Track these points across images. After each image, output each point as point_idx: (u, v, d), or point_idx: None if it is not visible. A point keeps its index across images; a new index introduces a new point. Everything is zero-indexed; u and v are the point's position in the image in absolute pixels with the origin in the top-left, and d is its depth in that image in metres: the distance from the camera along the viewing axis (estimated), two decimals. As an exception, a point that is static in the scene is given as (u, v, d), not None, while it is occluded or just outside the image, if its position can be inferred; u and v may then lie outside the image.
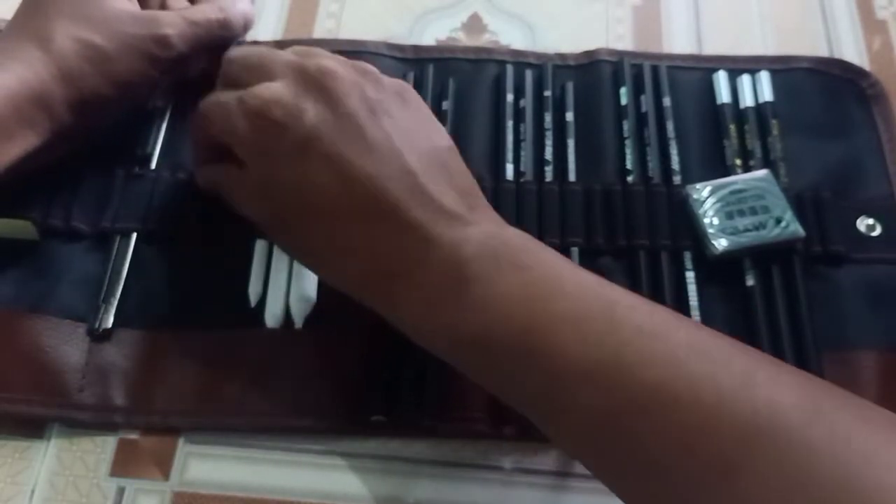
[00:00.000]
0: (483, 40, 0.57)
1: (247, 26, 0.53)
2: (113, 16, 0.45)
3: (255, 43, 0.55)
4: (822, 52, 0.56)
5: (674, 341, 0.32)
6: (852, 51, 0.56)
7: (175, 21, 0.47)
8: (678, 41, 0.57)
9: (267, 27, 0.58)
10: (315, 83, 0.38)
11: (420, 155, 0.38)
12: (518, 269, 0.35)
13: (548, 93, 0.52)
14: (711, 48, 0.56)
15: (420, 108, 0.41)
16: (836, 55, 0.56)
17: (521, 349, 0.33)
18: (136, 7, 0.47)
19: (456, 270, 0.35)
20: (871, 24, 0.57)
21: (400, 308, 0.37)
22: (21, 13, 0.46)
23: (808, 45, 0.56)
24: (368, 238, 0.37)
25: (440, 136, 0.40)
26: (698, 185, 0.47)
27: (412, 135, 0.39)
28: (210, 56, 0.50)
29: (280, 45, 0.55)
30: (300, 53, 0.41)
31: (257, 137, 0.38)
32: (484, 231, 0.37)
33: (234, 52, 0.42)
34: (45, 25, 0.44)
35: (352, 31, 0.58)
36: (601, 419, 0.32)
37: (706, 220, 0.46)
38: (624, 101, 0.52)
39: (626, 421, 0.31)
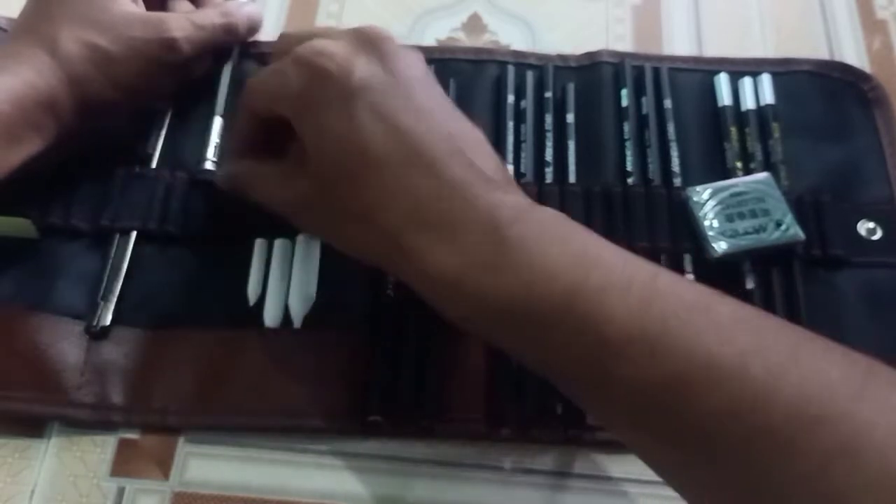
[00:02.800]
0: (483, 40, 0.57)
1: (252, 30, 0.53)
2: (120, 19, 0.45)
3: (257, 44, 0.55)
4: (822, 52, 0.56)
5: (717, 314, 0.32)
6: (852, 51, 0.56)
7: (183, 24, 0.47)
8: (678, 41, 0.57)
9: (267, 27, 0.57)
10: (370, 43, 0.39)
11: (461, 129, 0.39)
12: (559, 237, 0.35)
13: (548, 94, 0.52)
14: (711, 48, 0.57)
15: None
16: (836, 55, 0.56)
17: (566, 314, 0.32)
18: (142, 10, 0.47)
19: (495, 232, 0.34)
20: (870, 24, 0.58)
21: (431, 266, 0.35)
22: (27, 17, 0.46)
23: (808, 44, 0.56)
24: (409, 186, 0.36)
25: (473, 127, 0.41)
26: (698, 188, 0.47)
27: (454, 112, 0.40)
28: (213, 59, 0.50)
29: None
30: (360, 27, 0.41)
31: (308, 87, 0.38)
32: (522, 200, 0.36)
33: (290, 32, 0.42)
34: (52, 29, 0.44)
35: (352, 30, 0.57)
36: (647, 388, 0.31)
37: (706, 223, 0.46)
38: (625, 102, 0.52)
39: (673, 390, 0.31)
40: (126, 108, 0.47)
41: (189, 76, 0.51)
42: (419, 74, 0.39)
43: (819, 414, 0.28)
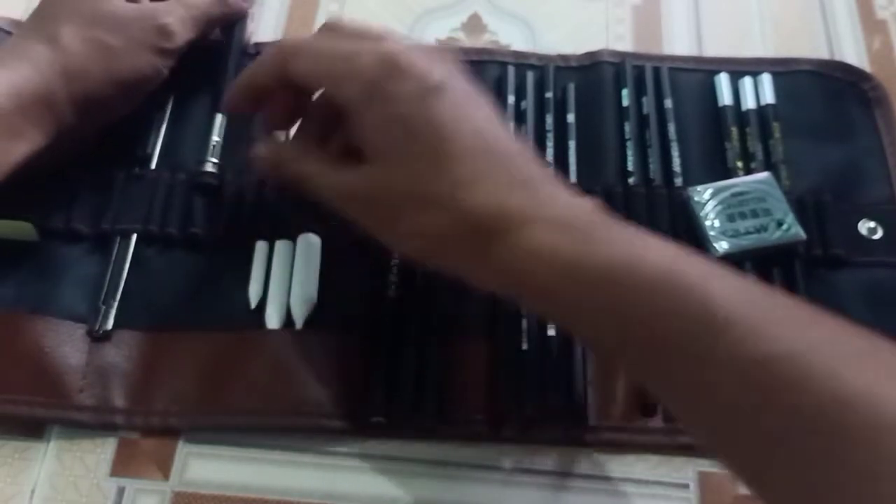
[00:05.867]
0: (483, 40, 0.57)
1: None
2: (120, 14, 0.46)
3: (259, 45, 0.56)
4: (822, 51, 0.56)
5: (819, 316, 0.32)
6: (852, 51, 0.56)
7: (172, 8, 0.48)
8: (678, 41, 0.57)
9: (267, 27, 0.58)
10: (443, 55, 0.40)
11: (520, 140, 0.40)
12: (643, 232, 0.36)
13: (549, 94, 0.52)
14: (711, 48, 0.57)
15: None
16: (836, 55, 0.56)
17: (669, 284, 0.32)
18: (135, 3, 0.47)
19: (585, 215, 0.36)
20: (871, 24, 0.58)
21: (524, 239, 0.35)
22: (32, 16, 0.47)
23: (808, 44, 0.56)
24: (496, 169, 0.37)
25: None
26: (699, 188, 0.47)
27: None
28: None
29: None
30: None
31: (384, 78, 0.38)
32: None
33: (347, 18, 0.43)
34: (54, 26, 0.44)
35: (352, 30, 0.57)
36: (752, 364, 0.30)
37: (707, 223, 0.46)
38: (626, 102, 0.52)
39: (772, 372, 0.30)
40: (127, 105, 0.47)
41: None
42: (487, 98, 0.40)
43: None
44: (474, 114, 0.38)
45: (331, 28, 0.41)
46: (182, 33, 0.48)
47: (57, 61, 0.43)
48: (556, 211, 0.36)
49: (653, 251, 0.34)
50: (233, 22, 0.54)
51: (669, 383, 0.34)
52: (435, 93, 0.37)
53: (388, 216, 0.39)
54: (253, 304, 0.46)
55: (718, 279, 0.32)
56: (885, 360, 0.30)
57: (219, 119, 0.51)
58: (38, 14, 0.47)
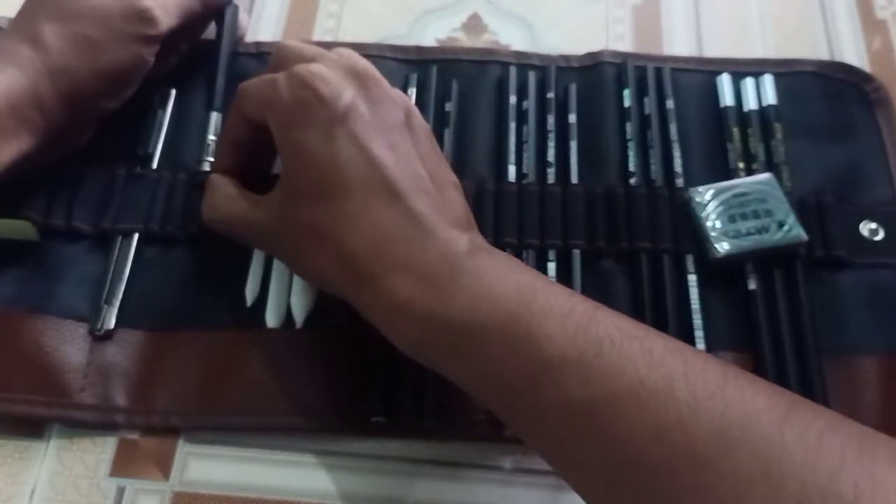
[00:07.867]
0: (483, 40, 0.57)
1: None
2: (99, 4, 0.45)
3: (258, 44, 0.56)
4: (822, 52, 0.56)
5: (651, 343, 0.33)
6: (852, 51, 0.56)
7: None
8: (678, 41, 0.57)
9: (267, 27, 0.57)
10: (360, 79, 0.40)
11: (435, 173, 0.40)
12: (510, 269, 0.37)
13: (551, 94, 0.52)
14: (711, 48, 0.57)
15: (436, 143, 0.43)
16: (836, 55, 0.56)
17: (507, 334, 0.34)
18: None
19: (449, 261, 0.36)
20: (870, 24, 0.58)
21: (385, 291, 0.37)
22: (16, 17, 0.46)
23: (808, 44, 0.56)
24: (374, 215, 0.37)
25: (450, 172, 0.42)
26: (701, 188, 0.47)
27: (430, 156, 0.41)
28: (197, 28, 0.52)
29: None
30: (352, 57, 0.42)
31: (296, 104, 0.39)
32: (480, 241, 0.39)
33: (290, 42, 0.43)
34: (35, 25, 0.44)
35: (351, 30, 0.58)
36: (579, 408, 0.32)
37: (708, 224, 0.46)
38: (627, 103, 0.51)
39: (602, 411, 0.31)
40: (114, 98, 0.47)
41: (177, 53, 0.51)
42: (398, 121, 0.40)
43: (741, 437, 0.29)
44: (374, 144, 0.38)
45: (277, 57, 0.43)
46: (165, 19, 0.47)
47: (40, 60, 0.43)
48: (425, 257, 0.37)
49: (505, 300, 0.35)
50: (221, 9, 0.53)
51: (517, 424, 0.36)
52: (340, 122, 0.38)
53: (290, 246, 0.41)
54: (249, 302, 0.46)
55: (560, 321, 0.33)
56: (726, 385, 0.31)
57: (213, 117, 0.51)
58: (20, 14, 0.46)
